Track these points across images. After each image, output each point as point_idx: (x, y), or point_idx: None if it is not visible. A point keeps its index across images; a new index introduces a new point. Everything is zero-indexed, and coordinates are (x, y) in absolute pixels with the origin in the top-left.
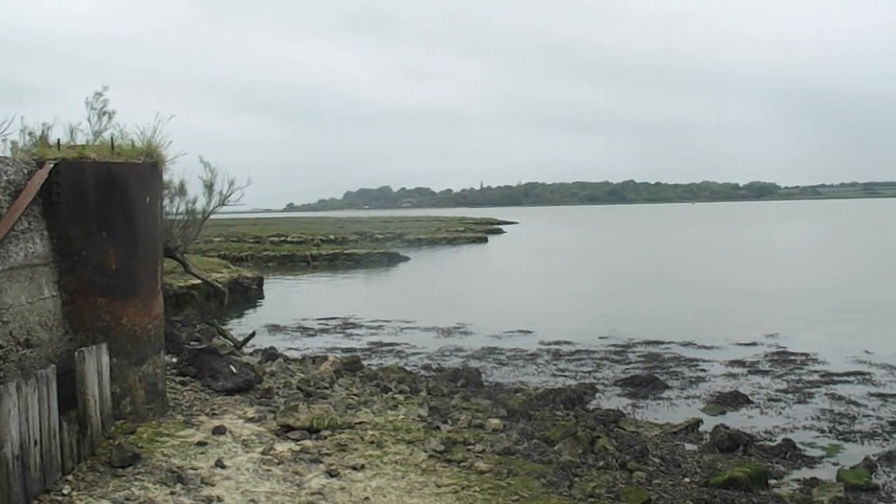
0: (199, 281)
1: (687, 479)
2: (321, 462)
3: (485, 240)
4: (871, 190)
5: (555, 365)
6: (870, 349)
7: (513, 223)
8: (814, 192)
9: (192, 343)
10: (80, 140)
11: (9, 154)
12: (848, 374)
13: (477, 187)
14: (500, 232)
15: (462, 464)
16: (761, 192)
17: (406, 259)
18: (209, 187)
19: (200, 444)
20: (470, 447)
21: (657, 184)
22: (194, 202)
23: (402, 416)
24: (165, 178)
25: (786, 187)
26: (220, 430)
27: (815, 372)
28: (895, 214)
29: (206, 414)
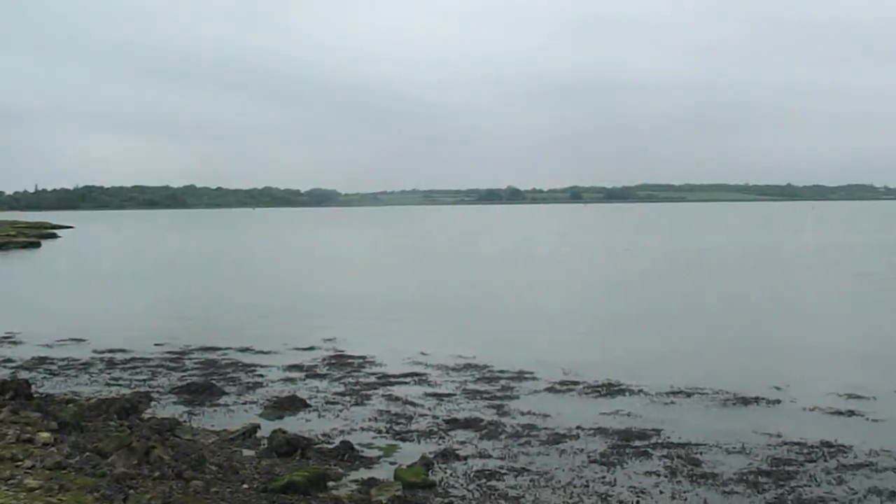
0: None
1: (245, 486)
2: None
3: (38, 244)
4: (430, 197)
5: (109, 374)
6: (425, 351)
7: (68, 227)
8: (374, 199)
9: None
10: None
11: None
12: (404, 375)
13: (31, 190)
14: (54, 236)
15: (10, 482)
16: (322, 198)
17: None
18: None
19: None
20: (18, 463)
21: (219, 189)
22: None
23: None
24: None
25: (346, 194)
26: None
27: (373, 374)
28: (451, 220)
29: None
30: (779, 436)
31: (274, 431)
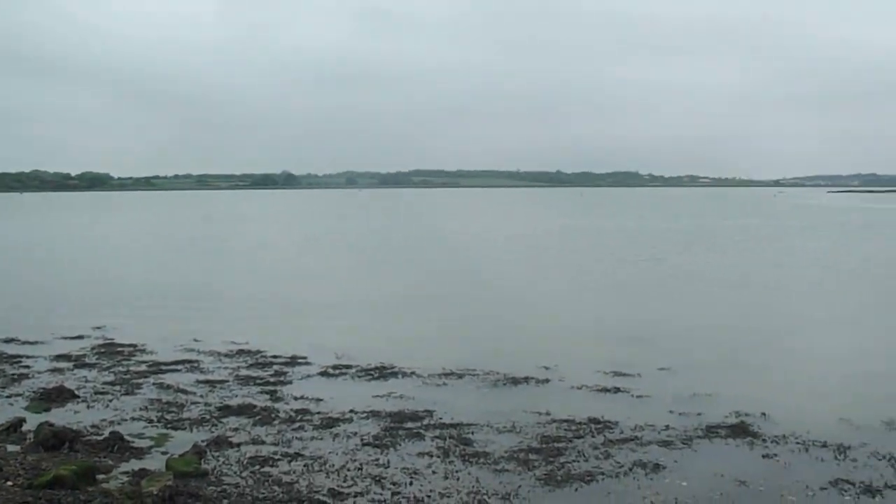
0: None
1: (10, 483)
2: None
3: None
4: (203, 182)
5: None
6: (198, 337)
7: None
8: (148, 184)
9: None
10: None
11: None
12: (177, 362)
13: None
14: None
15: None
16: (94, 182)
17: None
18: None
19: None
20: None
21: None
22: None
23: None
24: None
25: (119, 178)
26: None
27: (144, 362)
28: (226, 204)
29: None
30: (548, 414)
31: (40, 424)
